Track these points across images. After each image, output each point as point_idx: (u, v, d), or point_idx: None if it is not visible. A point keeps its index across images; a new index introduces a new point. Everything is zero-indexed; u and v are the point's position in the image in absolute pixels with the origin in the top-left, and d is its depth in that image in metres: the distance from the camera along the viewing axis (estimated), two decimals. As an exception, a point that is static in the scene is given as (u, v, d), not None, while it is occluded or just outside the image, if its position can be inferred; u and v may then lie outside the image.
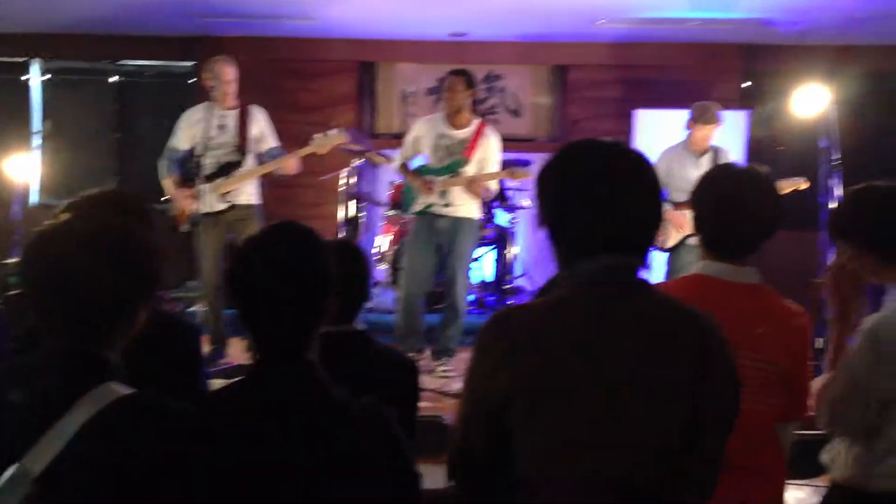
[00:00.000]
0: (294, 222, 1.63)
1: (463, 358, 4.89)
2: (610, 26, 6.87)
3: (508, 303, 6.48)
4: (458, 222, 5.11)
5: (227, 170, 5.06)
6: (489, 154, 5.12)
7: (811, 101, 5.61)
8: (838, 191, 5.38)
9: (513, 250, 6.82)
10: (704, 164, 5.26)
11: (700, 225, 2.04)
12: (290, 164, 5.07)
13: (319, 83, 7.80)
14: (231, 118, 5.07)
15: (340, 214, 6.74)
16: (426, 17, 6.80)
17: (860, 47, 7.37)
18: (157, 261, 1.55)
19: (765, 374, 1.90)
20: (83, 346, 1.48)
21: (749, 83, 7.62)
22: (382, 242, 6.76)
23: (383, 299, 6.50)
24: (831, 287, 2.11)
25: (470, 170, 5.07)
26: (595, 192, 1.48)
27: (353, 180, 6.72)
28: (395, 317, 5.26)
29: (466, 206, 5.12)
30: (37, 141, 7.81)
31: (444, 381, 4.91)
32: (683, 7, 6.23)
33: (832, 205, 5.44)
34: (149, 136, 7.09)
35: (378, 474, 1.52)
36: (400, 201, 6.44)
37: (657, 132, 6.59)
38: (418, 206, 5.19)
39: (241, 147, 5.07)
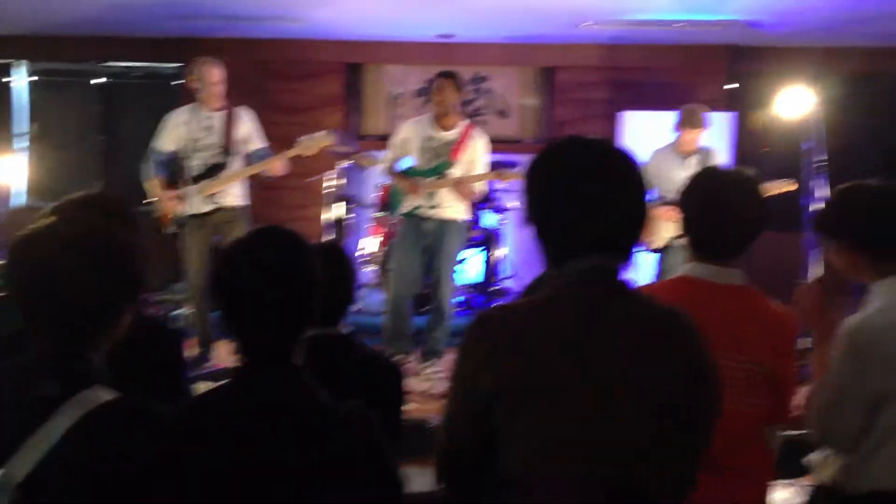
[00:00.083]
0: (279, 226, 1.63)
1: (450, 360, 4.89)
2: (596, 28, 6.88)
3: (495, 304, 6.48)
4: (446, 224, 5.11)
5: (212, 171, 5.04)
6: (476, 156, 5.13)
7: (796, 102, 5.65)
8: (823, 192, 5.42)
9: (500, 252, 6.83)
10: (692, 166, 5.28)
11: (687, 226, 2.05)
12: (277, 166, 5.06)
13: (306, 85, 7.79)
14: (217, 119, 5.05)
15: (327, 216, 6.73)
16: (413, 19, 6.80)
17: (845, 49, 7.42)
18: (140, 264, 1.54)
19: (751, 375, 1.91)
20: (67, 349, 1.47)
21: (735, 85, 7.66)
22: (370, 244, 6.75)
23: (371, 301, 6.49)
24: (808, 304, 2.13)
25: (457, 171, 5.07)
26: (580, 189, 1.48)
27: (340, 182, 6.70)
28: (383, 319, 5.26)
29: (454, 208, 5.12)
30: (22, 143, 7.76)
31: (431, 383, 4.90)
32: (669, 9, 6.25)
33: (817, 206, 5.47)
34: (134, 138, 7.03)
35: (361, 479, 1.51)
36: (387, 203, 6.43)
37: (644, 134, 6.62)
38: (405, 208, 5.19)
39: (227, 148, 5.05)
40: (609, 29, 6.93)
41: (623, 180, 1.51)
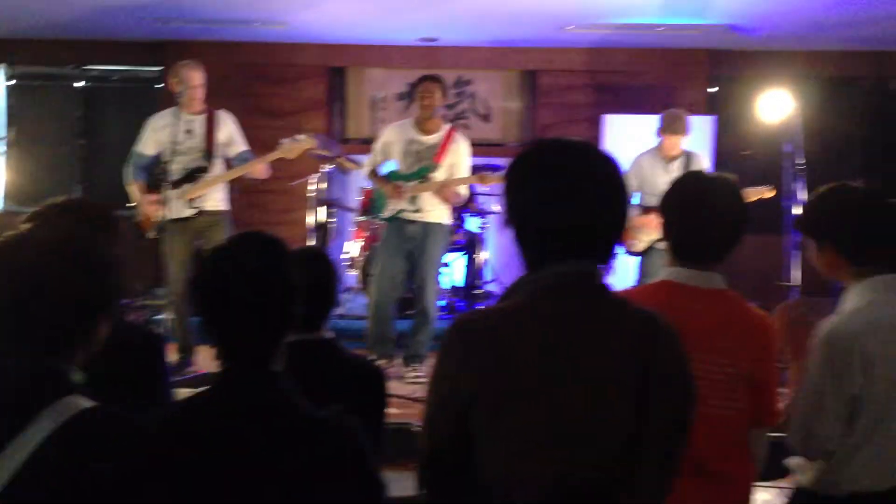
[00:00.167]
0: (259, 231, 1.63)
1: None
2: (579, 32, 6.91)
3: (476, 308, 6.49)
4: (429, 228, 5.11)
5: (193, 175, 5.01)
6: (459, 159, 5.13)
7: (776, 106, 5.69)
8: (802, 195, 5.46)
9: (483, 255, 6.83)
10: (675, 170, 5.31)
11: (668, 230, 2.06)
12: (259, 169, 5.04)
13: (289, 88, 7.77)
14: (198, 123, 5.03)
15: (310, 220, 6.71)
16: (396, 23, 6.80)
17: (824, 53, 7.48)
18: (118, 273, 1.53)
19: (732, 378, 1.91)
20: (43, 358, 1.45)
21: (715, 89, 7.71)
22: (353, 248, 6.74)
23: (354, 305, 6.47)
24: (782, 324, 2.14)
25: (440, 175, 5.08)
26: (558, 192, 1.48)
27: (323, 186, 6.70)
28: (366, 323, 5.25)
29: (437, 212, 5.12)
30: (1, 147, 7.69)
31: (415, 387, 4.90)
32: (651, 13, 6.29)
33: (797, 209, 5.51)
34: (115, 142, 7.00)
35: (343, 484, 1.51)
36: (370, 207, 6.43)
37: (626, 137, 6.65)
38: (388, 212, 5.18)
39: (209, 152, 5.02)
40: (592, 33, 6.96)
41: (602, 183, 1.51)
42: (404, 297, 5.43)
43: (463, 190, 5.21)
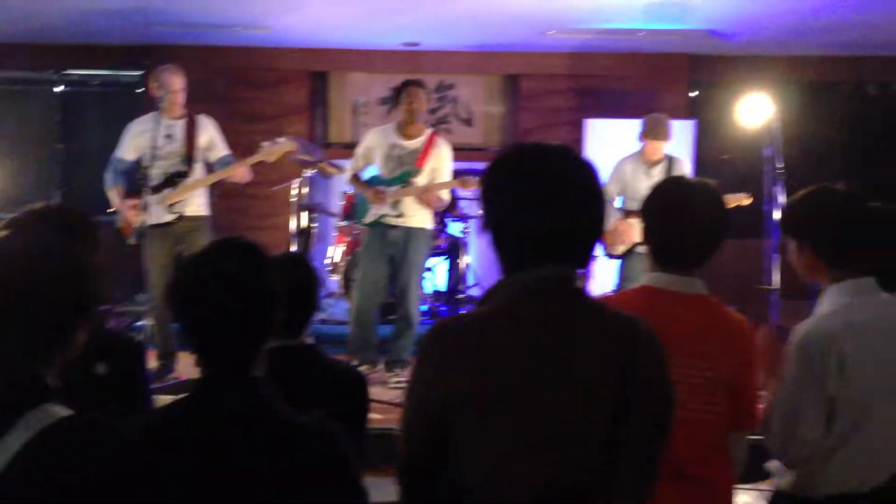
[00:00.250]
0: (239, 238, 1.62)
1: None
2: (561, 37, 6.94)
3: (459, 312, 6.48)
4: (411, 233, 5.11)
5: (173, 180, 4.98)
6: (441, 164, 5.14)
7: (755, 111, 5.73)
8: (782, 199, 5.50)
9: (465, 260, 6.84)
10: (657, 175, 5.34)
11: (649, 235, 2.07)
12: (240, 173, 5.02)
13: (271, 92, 7.75)
14: (178, 128, 5.00)
15: (292, 225, 6.69)
16: (379, 27, 6.80)
17: (803, 58, 7.55)
18: (95, 280, 1.52)
19: (712, 383, 1.92)
20: (21, 364, 1.44)
21: (696, 93, 7.76)
22: (335, 253, 6.72)
23: (336, 310, 6.46)
24: (764, 345, 2.15)
25: (421, 180, 5.08)
26: (536, 196, 1.48)
27: (304, 191, 6.67)
28: (349, 328, 5.23)
29: (419, 217, 5.12)
30: (-21, 152, 7.62)
31: (397, 392, 4.89)
32: (633, 18, 6.32)
33: (776, 213, 5.56)
34: (95, 147, 6.96)
35: (324, 491, 1.50)
36: (352, 212, 6.42)
37: (608, 141, 6.68)
38: (370, 217, 5.18)
39: (189, 157, 4.99)
40: (573, 37, 6.99)
41: (581, 188, 1.51)
42: (387, 302, 5.42)
43: (445, 194, 5.21)
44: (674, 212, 2.00)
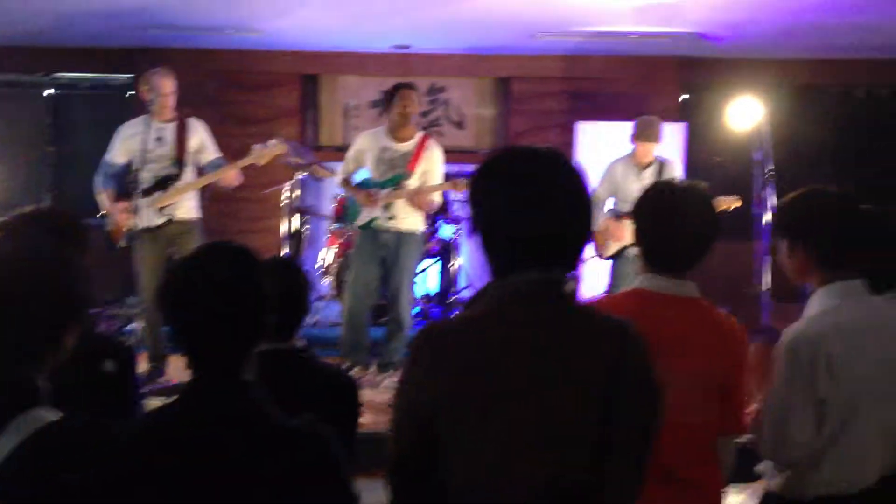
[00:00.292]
0: (229, 241, 1.62)
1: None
2: (552, 39, 6.95)
3: (450, 315, 6.49)
4: (402, 235, 5.11)
5: (164, 183, 4.97)
6: (432, 167, 5.14)
7: (746, 113, 5.75)
8: (772, 202, 5.52)
9: (457, 262, 6.84)
10: (648, 177, 5.35)
11: (640, 238, 2.07)
12: (231, 176, 5.01)
13: (262, 95, 7.74)
14: (169, 131, 4.99)
15: (284, 228, 6.68)
16: (370, 30, 6.80)
17: (793, 61, 7.58)
18: (84, 284, 1.52)
19: (703, 386, 1.93)
20: (9, 370, 1.44)
21: (687, 96, 7.78)
22: (326, 256, 6.71)
23: (328, 313, 6.45)
24: (757, 360, 2.16)
25: (413, 183, 5.08)
26: (525, 199, 1.48)
27: (296, 194, 6.67)
28: (340, 331, 5.23)
29: (410, 220, 5.12)
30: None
31: (389, 395, 4.89)
32: (624, 21, 6.34)
33: (767, 216, 5.58)
34: (85, 150, 6.93)
35: (315, 494, 1.50)
36: (343, 215, 6.41)
37: (599, 144, 6.69)
38: (362, 220, 5.18)
39: (179, 160, 4.98)
40: (565, 40, 7.00)
41: (571, 192, 1.52)
42: (378, 304, 5.42)
43: (437, 197, 5.21)
44: (665, 215, 2.01)
